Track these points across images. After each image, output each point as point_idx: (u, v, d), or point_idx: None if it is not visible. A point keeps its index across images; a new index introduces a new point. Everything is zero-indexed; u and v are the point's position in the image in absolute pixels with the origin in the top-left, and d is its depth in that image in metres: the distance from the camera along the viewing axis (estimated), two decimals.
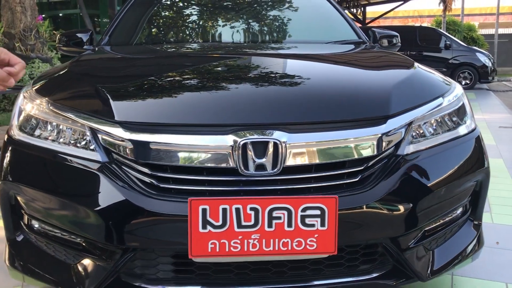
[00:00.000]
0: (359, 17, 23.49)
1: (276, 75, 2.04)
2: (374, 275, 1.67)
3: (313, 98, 1.75)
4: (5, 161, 1.79)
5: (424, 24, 28.36)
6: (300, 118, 1.64)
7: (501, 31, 29.26)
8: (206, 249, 1.47)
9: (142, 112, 1.69)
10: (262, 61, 2.32)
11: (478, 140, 1.93)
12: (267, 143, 1.54)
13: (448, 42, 15.12)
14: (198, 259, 1.52)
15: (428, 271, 1.73)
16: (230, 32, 3.02)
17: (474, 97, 12.20)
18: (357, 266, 1.67)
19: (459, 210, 1.88)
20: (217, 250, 1.47)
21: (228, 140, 1.54)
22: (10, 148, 1.80)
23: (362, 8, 23.77)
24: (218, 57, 2.44)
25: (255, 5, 3.40)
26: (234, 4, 3.38)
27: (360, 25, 22.68)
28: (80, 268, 1.65)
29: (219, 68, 2.20)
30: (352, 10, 22.69)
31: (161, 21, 3.35)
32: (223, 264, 1.60)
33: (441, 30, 17.04)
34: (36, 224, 1.76)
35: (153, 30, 3.27)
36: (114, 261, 1.58)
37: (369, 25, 22.85)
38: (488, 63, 14.87)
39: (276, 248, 1.48)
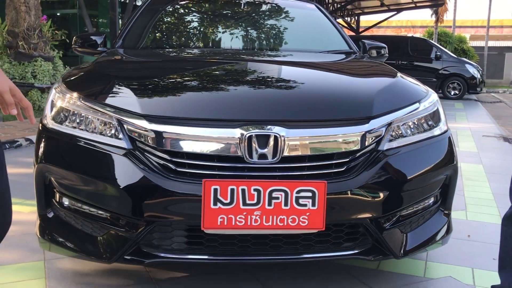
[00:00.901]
0: (353, 26, 23.90)
1: (278, 79, 2.34)
2: (356, 251, 1.97)
3: (308, 100, 2.06)
4: (41, 147, 2.07)
5: (417, 35, 28.87)
6: (297, 116, 1.94)
7: (491, 43, 29.84)
8: (216, 222, 1.75)
9: (163, 107, 1.98)
10: (266, 67, 2.63)
11: (449, 140, 2.23)
12: (268, 136, 1.83)
13: (438, 53, 15.52)
14: (209, 231, 1.80)
15: (402, 251, 2.02)
16: (234, 40, 3.32)
17: (462, 107, 12.59)
18: (341, 243, 1.97)
19: (431, 200, 2.18)
20: (225, 223, 1.76)
21: (236, 133, 1.83)
22: (45, 136, 2.08)
23: (356, 17, 24.20)
24: (225, 62, 2.74)
25: (259, 16, 3.70)
26: (239, 15, 3.68)
27: (354, 33, 23.09)
28: (105, 240, 1.93)
29: (227, 72, 2.50)
30: (346, 18, 23.09)
31: (171, 26, 3.64)
32: (228, 237, 1.89)
33: (432, 41, 17.45)
34: (66, 202, 2.04)
35: (163, 35, 3.55)
36: (136, 233, 1.85)
37: (363, 34, 23.26)
38: (477, 75, 15.30)
39: (274, 223, 1.77)
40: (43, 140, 2.08)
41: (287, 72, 2.55)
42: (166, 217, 1.82)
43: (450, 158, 2.18)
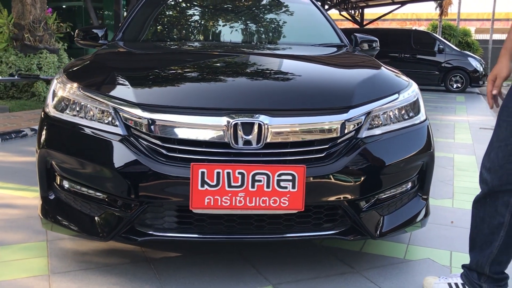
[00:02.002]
0: (357, 18, 23.92)
1: (264, 70, 2.48)
2: (335, 231, 2.11)
3: (292, 90, 2.20)
4: (43, 133, 2.22)
5: (422, 28, 28.82)
6: (280, 105, 2.08)
7: (496, 36, 29.74)
8: (203, 203, 1.90)
9: (156, 96, 2.13)
10: (254, 59, 2.77)
11: (427, 129, 2.36)
12: (253, 124, 1.97)
13: (441, 46, 15.58)
14: (196, 211, 1.95)
15: (378, 232, 2.16)
16: (228, 33, 3.46)
17: (463, 100, 12.68)
18: (321, 224, 2.11)
19: (408, 185, 2.31)
20: (212, 204, 1.90)
21: (223, 120, 1.97)
22: (46, 123, 2.23)
23: (360, 10, 24.20)
24: (217, 54, 2.89)
25: (253, 9, 3.84)
26: (233, 9, 3.82)
27: (358, 26, 23.10)
28: (102, 219, 2.08)
29: (218, 64, 2.65)
30: (350, 11, 23.10)
31: (169, 20, 3.79)
32: (215, 217, 2.04)
33: (435, 34, 17.47)
34: (66, 184, 2.19)
35: (161, 28, 3.70)
36: (130, 213, 2.00)
37: (367, 27, 23.28)
38: (479, 68, 15.36)
39: (257, 204, 1.92)
40: (45, 127, 2.23)
41: (275, 64, 2.69)
42: (158, 198, 1.97)
43: (426, 146, 2.30)
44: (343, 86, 2.26)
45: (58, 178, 2.21)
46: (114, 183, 2.00)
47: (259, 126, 1.97)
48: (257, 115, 1.99)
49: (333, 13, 24.63)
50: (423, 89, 16.28)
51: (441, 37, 19.51)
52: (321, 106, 2.11)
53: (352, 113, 2.10)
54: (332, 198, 2.03)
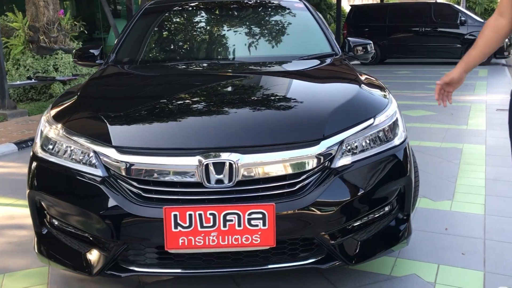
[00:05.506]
0: None
1: (238, 104, 2.51)
2: (312, 260, 2.17)
3: (263, 125, 2.24)
4: (31, 174, 2.33)
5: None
6: (251, 142, 2.12)
7: None
8: (178, 243, 1.98)
9: (131, 138, 2.20)
10: (232, 89, 2.80)
11: (405, 151, 2.36)
12: (224, 163, 2.03)
13: (463, 18, 15.14)
14: (172, 251, 2.04)
15: (355, 258, 2.21)
16: (218, 50, 3.50)
17: (485, 75, 12.35)
18: (298, 254, 2.17)
19: (386, 209, 2.33)
20: (186, 244, 1.99)
21: (195, 161, 2.04)
22: (34, 163, 2.35)
23: None
24: (195, 83, 2.95)
25: (246, 22, 3.84)
26: (226, 20, 3.84)
27: (378, 0, 22.53)
28: (88, 256, 2.19)
29: (192, 99, 2.65)
30: None
31: (159, 39, 3.85)
32: (194, 253, 2.12)
33: (457, 6, 16.94)
34: (55, 222, 2.31)
35: (151, 48, 3.76)
36: (113, 251, 2.11)
37: (386, 1, 22.71)
38: None
39: (230, 242, 1.99)
40: (33, 167, 2.34)
41: (249, 94, 2.69)
42: (136, 238, 2.06)
43: (403, 171, 2.31)
44: (314, 117, 2.27)
45: (48, 216, 2.33)
46: (95, 224, 2.10)
47: (230, 164, 2.03)
48: (227, 153, 2.05)
49: None
50: (446, 62, 15.93)
51: (465, 5, 18.89)
52: (291, 140, 2.14)
53: (324, 144, 2.13)
54: (305, 231, 2.08)
